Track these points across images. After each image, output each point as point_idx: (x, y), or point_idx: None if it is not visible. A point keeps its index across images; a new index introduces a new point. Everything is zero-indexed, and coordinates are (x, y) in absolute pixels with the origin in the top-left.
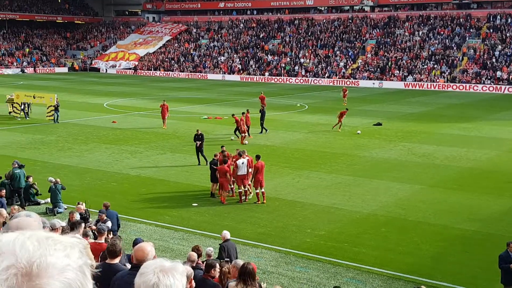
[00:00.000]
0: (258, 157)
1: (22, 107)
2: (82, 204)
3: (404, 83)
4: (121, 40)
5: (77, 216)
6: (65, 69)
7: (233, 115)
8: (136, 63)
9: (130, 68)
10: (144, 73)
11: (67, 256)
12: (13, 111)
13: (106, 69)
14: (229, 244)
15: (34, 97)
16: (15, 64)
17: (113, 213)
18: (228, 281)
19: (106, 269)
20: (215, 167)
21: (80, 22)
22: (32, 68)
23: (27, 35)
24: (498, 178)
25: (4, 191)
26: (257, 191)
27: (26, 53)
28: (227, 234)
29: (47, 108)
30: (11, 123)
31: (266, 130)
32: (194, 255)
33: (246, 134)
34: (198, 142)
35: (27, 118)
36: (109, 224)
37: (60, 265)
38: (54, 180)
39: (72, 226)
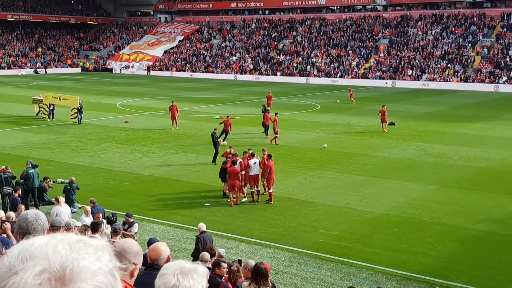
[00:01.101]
0: (270, 157)
1: (51, 108)
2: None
3: (417, 83)
4: (134, 40)
5: (87, 220)
6: (78, 70)
7: (228, 117)
8: (150, 63)
9: (144, 69)
10: (156, 73)
11: (98, 259)
12: (42, 112)
13: (120, 70)
14: (205, 235)
15: (60, 99)
16: (28, 64)
17: (99, 209)
18: (241, 281)
19: None
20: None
21: (92, 22)
22: (45, 69)
23: (41, 36)
24: None
25: (20, 190)
26: (270, 191)
27: (39, 53)
28: (203, 226)
29: (71, 110)
30: (25, 123)
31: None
32: (207, 255)
33: (278, 135)
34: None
35: (53, 119)
36: (136, 227)
37: (92, 269)
38: (64, 181)
39: (94, 227)
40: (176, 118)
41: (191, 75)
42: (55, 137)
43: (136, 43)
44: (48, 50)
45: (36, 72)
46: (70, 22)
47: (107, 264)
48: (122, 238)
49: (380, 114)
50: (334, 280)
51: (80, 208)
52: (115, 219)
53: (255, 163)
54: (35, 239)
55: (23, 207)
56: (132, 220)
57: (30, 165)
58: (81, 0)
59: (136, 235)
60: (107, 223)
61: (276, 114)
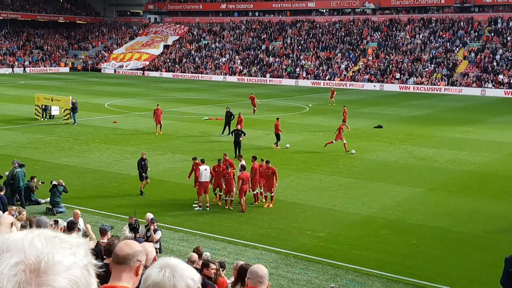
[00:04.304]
0: (254, 158)
1: (43, 108)
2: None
3: (405, 86)
4: (124, 40)
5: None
6: (66, 69)
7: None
8: (147, 62)
9: (138, 69)
10: (146, 74)
11: (73, 254)
12: (35, 113)
13: (115, 70)
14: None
15: (52, 100)
16: (16, 63)
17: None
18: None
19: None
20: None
21: (81, 22)
22: (32, 68)
23: (29, 35)
24: (498, 182)
25: (4, 189)
26: (255, 192)
27: (27, 52)
28: (150, 216)
29: (63, 111)
30: (13, 122)
31: (223, 134)
32: (195, 255)
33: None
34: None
35: (45, 119)
36: (159, 234)
37: (66, 263)
38: (56, 183)
39: (71, 226)
40: (161, 122)
41: (179, 75)
42: (42, 136)
43: (130, 44)
44: (36, 49)
45: (24, 70)
46: (59, 21)
47: (82, 260)
48: (111, 238)
49: (344, 114)
50: (320, 281)
51: (65, 212)
52: (138, 225)
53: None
54: (12, 233)
55: (14, 208)
56: (156, 227)
57: (17, 165)
58: None
59: (159, 243)
60: (130, 230)
61: (344, 122)
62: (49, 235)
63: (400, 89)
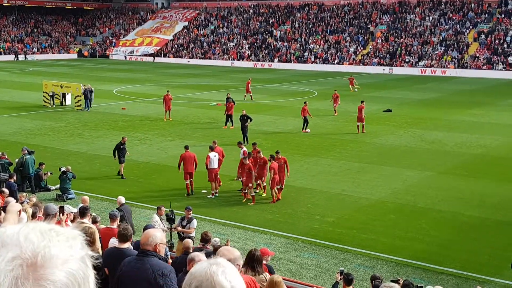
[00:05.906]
0: (254, 144)
1: (51, 94)
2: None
3: (415, 69)
4: (131, 26)
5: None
6: (74, 56)
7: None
8: (158, 48)
9: (148, 55)
10: (156, 60)
11: (70, 247)
12: (43, 100)
13: (125, 56)
14: (125, 208)
15: (61, 87)
16: (24, 50)
17: None
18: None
19: (115, 254)
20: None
21: (89, 8)
22: (40, 54)
23: (37, 21)
24: (508, 165)
25: (16, 176)
26: (257, 182)
27: (35, 39)
28: (122, 199)
29: (75, 98)
30: (21, 109)
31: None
32: (189, 241)
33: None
34: (249, 121)
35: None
36: (194, 223)
37: (63, 256)
38: (65, 168)
39: (83, 211)
40: (170, 108)
41: (187, 61)
42: (52, 123)
43: (138, 29)
44: (44, 36)
45: (24, 57)
46: (66, 7)
47: (78, 252)
48: (121, 224)
49: (335, 98)
50: (329, 266)
51: (74, 198)
52: (174, 216)
53: (215, 156)
54: (7, 227)
55: (24, 194)
56: (191, 215)
57: (26, 152)
58: None
59: (194, 232)
60: (167, 220)
61: (362, 102)
62: (44, 228)
63: (409, 72)
